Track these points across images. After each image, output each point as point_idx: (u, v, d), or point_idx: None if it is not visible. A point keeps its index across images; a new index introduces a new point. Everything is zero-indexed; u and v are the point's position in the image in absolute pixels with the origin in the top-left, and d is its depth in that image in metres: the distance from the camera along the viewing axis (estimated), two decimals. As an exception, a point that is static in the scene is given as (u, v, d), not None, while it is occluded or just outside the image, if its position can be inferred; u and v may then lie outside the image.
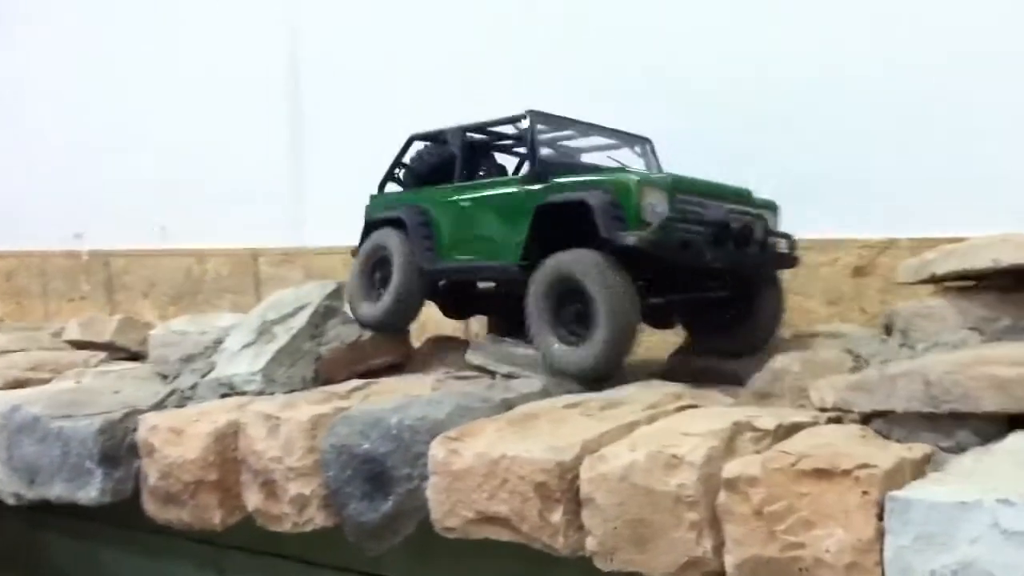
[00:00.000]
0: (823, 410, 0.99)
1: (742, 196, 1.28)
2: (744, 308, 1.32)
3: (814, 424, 0.98)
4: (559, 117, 1.39)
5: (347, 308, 1.49)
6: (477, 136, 1.47)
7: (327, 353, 1.39)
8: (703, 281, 1.32)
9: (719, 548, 0.87)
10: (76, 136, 2.53)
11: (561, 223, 1.23)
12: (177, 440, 1.22)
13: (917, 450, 0.87)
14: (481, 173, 1.48)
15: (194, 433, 1.21)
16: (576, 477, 0.94)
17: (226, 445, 1.20)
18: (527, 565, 1.20)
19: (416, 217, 1.42)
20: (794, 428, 0.97)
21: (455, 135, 1.42)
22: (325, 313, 1.44)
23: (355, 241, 2.04)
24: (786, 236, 1.31)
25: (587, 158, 1.46)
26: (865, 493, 0.80)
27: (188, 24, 2.32)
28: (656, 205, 1.17)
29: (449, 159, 1.43)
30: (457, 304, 1.57)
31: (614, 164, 1.44)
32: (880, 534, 0.78)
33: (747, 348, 1.30)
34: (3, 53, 2.65)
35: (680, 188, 1.20)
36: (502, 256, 1.30)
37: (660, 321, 1.40)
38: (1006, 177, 1.37)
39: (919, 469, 0.85)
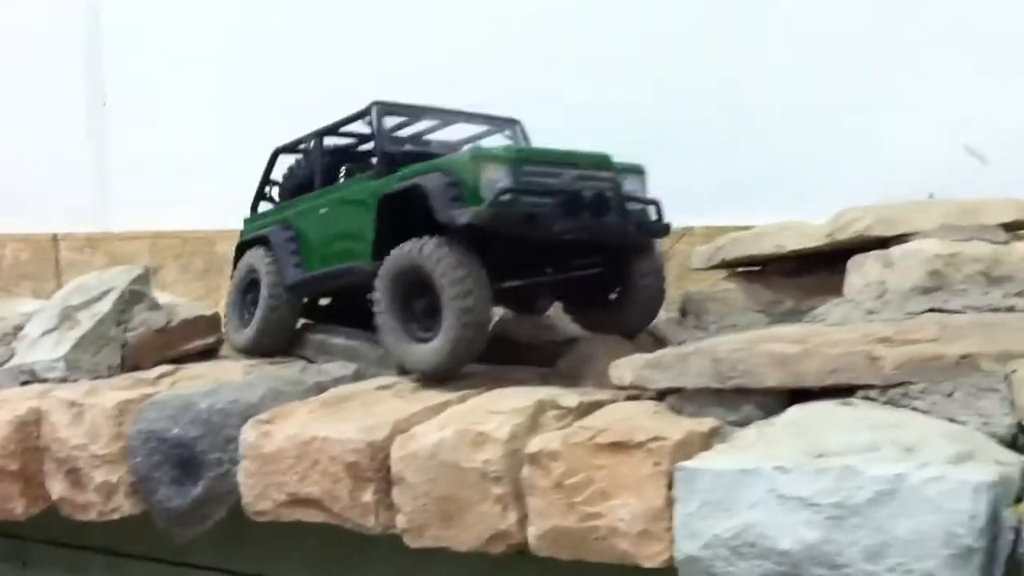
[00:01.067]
0: (622, 388, 1.04)
1: (599, 162, 1.19)
2: (618, 283, 1.25)
3: (614, 402, 1.04)
4: (412, 106, 1.32)
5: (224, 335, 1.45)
6: (335, 139, 1.40)
7: (134, 339, 1.37)
8: (572, 258, 1.25)
9: (523, 521, 0.91)
10: None
11: (409, 215, 1.16)
12: (-25, 429, 1.18)
13: (706, 423, 0.93)
14: (342, 177, 1.41)
15: (-7, 422, 1.18)
16: (387, 456, 0.97)
17: (27, 433, 1.17)
18: (340, 547, 1.22)
19: (282, 233, 1.36)
20: (596, 405, 1.02)
21: (310, 140, 1.37)
22: (131, 298, 1.40)
23: (160, 225, 2.02)
24: (651, 202, 1.21)
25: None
26: (656, 464, 0.85)
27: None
28: (498, 180, 1.10)
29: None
30: (321, 319, 1.46)
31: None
32: (670, 502, 0.84)
33: (628, 326, 1.25)
34: None
35: (527, 159, 1.13)
36: (357, 258, 1.23)
37: (526, 305, 1.32)
38: (787, 169, 1.47)
39: (707, 441, 0.90)
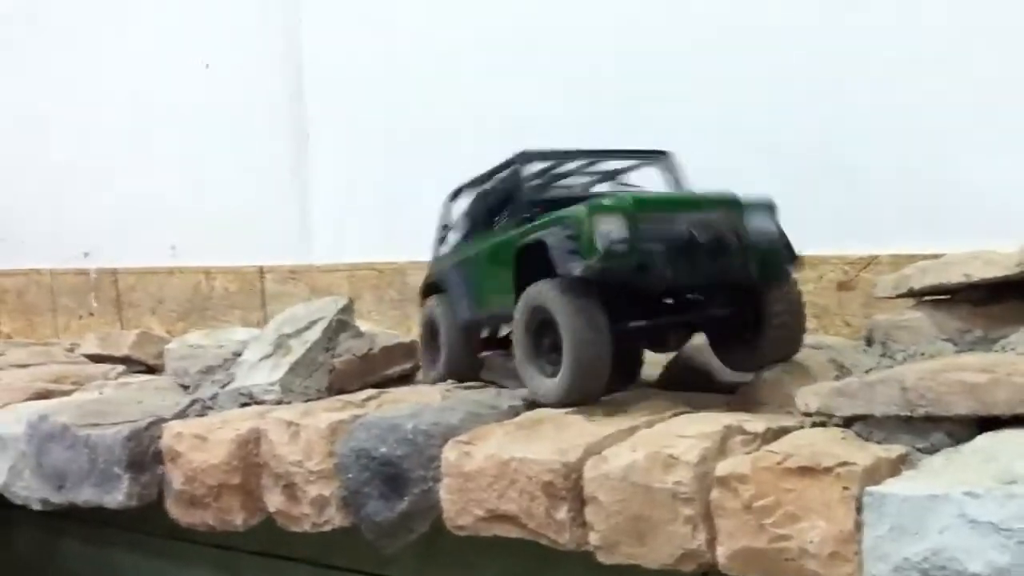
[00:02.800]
0: (807, 415, 1.06)
1: (722, 202, 1.20)
2: (751, 320, 1.24)
3: (800, 428, 1.06)
4: (557, 151, 1.35)
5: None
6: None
7: (340, 364, 1.47)
8: (703, 297, 1.27)
9: (712, 541, 0.95)
10: (83, 157, 2.59)
11: (543, 263, 1.19)
12: (202, 446, 1.29)
13: (894, 450, 0.95)
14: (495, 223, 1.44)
15: (218, 439, 1.28)
16: (580, 477, 1.01)
17: (248, 450, 1.28)
18: (527, 563, 1.28)
19: (454, 275, 1.44)
20: (782, 431, 1.04)
21: (469, 190, 1.44)
22: (337, 327, 1.51)
23: (359, 258, 2.13)
24: (777, 236, 1.21)
25: (601, 186, 1.42)
26: (846, 488, 0.87)
27: (192, 42, 2.38)
28: (612, 231, 1.12)
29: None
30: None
31: (620, 189, 1.39)
32: (859, 526, 0.86)
33: (766, 362, 1.25)
34: (10, 73, 2.72)
35: (644, 208, 1.15)
36: (505, 302, 1.28)
37: (658, 343, 1.35)
38: (976, 198, 1.45)
39: (895, 467, 0.92)
